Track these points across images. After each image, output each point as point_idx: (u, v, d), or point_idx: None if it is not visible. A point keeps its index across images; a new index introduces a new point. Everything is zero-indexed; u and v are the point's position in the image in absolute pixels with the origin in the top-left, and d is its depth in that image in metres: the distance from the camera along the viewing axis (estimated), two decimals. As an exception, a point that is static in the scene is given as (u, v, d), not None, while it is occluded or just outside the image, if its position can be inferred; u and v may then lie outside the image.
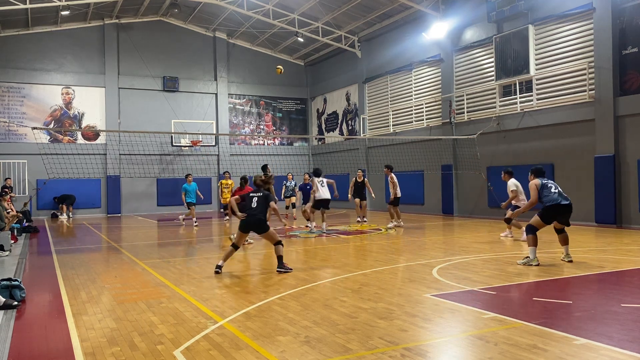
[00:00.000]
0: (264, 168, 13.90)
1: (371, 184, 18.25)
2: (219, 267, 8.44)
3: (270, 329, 5.22)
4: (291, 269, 8.47)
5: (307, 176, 17.15)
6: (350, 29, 24.57)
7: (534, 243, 8.52)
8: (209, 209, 27.16)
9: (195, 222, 17.73)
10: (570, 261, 8.69)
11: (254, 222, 8.54)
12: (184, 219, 18.68)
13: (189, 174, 18.52)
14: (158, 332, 5.20)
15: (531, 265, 8.40)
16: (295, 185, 19.32)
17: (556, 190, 8.62)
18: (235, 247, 8.72)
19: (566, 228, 8.84)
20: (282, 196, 19.67)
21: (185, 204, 17.94)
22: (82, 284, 7.83)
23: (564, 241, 8.84)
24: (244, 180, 11.76)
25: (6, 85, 23.75)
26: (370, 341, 4.74)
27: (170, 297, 6.80)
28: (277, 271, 8.42)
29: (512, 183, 11.87)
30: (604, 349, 4.35)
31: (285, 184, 19.66)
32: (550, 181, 8.81)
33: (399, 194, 15.26)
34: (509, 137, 17.62)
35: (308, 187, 17.30)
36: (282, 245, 8.66)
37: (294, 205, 19.39)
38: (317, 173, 14.82)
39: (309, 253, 10.68)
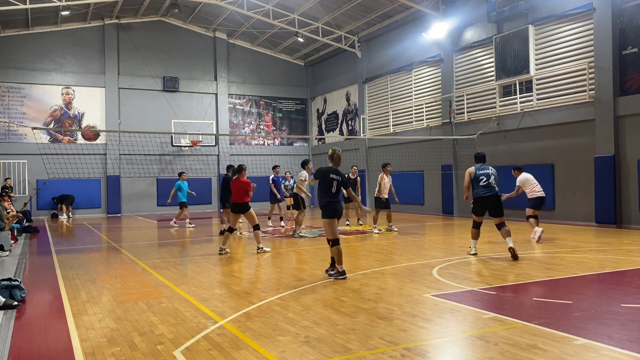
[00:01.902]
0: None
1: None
2: (329, 268, 7.85)
3: (270, 329, 5.22)
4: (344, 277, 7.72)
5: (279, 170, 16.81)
6: (350, 29, 24.56)
7: (474, 237, 9.59)
8: (209, 208, 27.18)
9: (191, 224, 17.56)
10: (512, 249, 8.90)
11: (341, 209, 7.89)
12: (175, 222, 18.04)
13: (183, 172, 18.21)
14: (158, 332, 5.20)
15: (469, 254, 9.50)
16: (294, 183, 18.97)
17: (484, 183, 9.18)
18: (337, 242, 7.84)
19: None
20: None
21: (179, 204, 17.60)
22: (82, 284, 7.83)
23: (506, 234, 9.15)
24: (238, 168, 10.96)
25: (6, 85, 23.75)
26: (370, 341, 4.74)
27: (170, 297, 6.80)
28: (334, 275, 7.74)
29: (519, 179, 12.20)
30: (604, 349, 4.35)
31: (284, 184, 19.41)
32: (484, 172, 9.27)
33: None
34: (509, 137, 17.62)
35: (281, 180, 17.08)
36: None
37: (293, 207, 19.12)
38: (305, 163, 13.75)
39: (309, 253, 10.68)
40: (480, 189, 9.25)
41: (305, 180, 13.88)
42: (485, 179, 9.23)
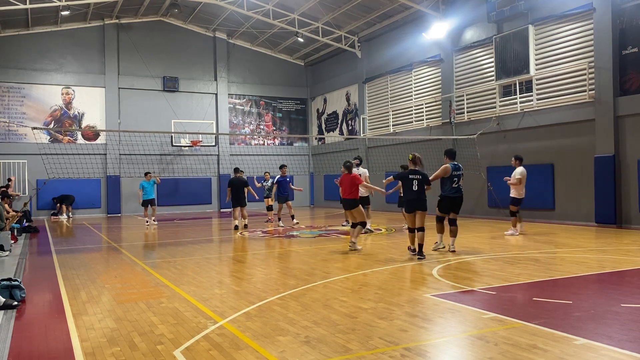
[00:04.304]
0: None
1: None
2: (417, 252, 9.38)
3: (270, 329, 5.22)
4: (424, 256, 9.26)
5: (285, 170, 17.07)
6: (350, 29, 24.56)
7: (440, 231, 10.24)
8: (209, 208, 27.17)
9: (155, 222, 18.06)
10: (454, 251, 9.79)
11: (418, 203, 9.40)
12: (153, 220, 18.35)
13: (149, 172, 18.79)
14: (158, 332, 5.20)
15: (437, 249, 10.07)
16: (272, 184, 17.71)
17: (456, 185, 9.88)
18: (413, 230, 9.47)
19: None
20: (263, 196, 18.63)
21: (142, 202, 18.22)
22: (82, 284, 7.83)
23: (454, 233, 9.97)
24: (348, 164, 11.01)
25: (6, 85, 23.74)
26: (370, 341, 4.74)
27: (170, 297, 6.80)
28: (418, 258, 9.24)
29: (519, 171, 12.75)
30: (604, 349, 4.35)
31: (262, 184, 18.28)
32: (457, 173, 9.88)
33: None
34: (509, 137, 17.62)
35: (288, 179, 17.13)
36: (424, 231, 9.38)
37: (271, 208, 18.24)
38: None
39: (309, 253, 10.68)
40: (451, 189, 9.88)
41: (368, 176, 14.45)
42: (457, 181, 9.86)
